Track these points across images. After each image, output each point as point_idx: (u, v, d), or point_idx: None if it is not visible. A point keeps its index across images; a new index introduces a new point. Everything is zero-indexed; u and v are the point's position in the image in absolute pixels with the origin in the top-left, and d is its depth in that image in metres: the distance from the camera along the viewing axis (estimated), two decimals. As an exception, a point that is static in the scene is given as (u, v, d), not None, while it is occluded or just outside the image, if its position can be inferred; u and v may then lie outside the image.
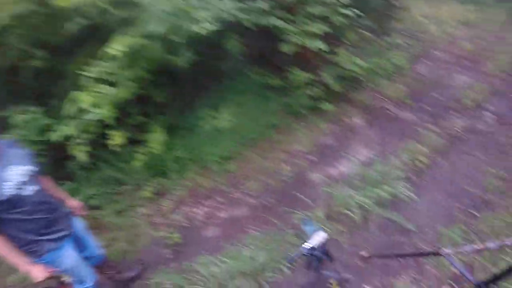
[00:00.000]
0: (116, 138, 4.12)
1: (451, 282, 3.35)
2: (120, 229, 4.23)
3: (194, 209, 4.44)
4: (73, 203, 2.95)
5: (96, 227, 4.24)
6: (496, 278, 2.09)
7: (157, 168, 4.70)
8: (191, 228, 4.21)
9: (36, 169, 2.47)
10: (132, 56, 3.76)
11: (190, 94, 5.50)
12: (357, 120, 5.29)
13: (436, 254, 2.18)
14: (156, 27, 3.65)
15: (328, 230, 3.76)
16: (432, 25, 8.34)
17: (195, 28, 3.69)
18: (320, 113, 5.22)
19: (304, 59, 4.87)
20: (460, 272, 2.45)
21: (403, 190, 4.01)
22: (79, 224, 2.95)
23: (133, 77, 3.92)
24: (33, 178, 2.42)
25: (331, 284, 3.49)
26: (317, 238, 2.60)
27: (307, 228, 2.64)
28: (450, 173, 4.43)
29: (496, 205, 4.05)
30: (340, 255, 3.66)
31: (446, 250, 2.00)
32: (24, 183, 2.33)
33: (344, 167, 4.61)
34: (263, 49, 5.29)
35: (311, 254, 2.53)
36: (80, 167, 4.45)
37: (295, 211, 4.09)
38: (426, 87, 5.87)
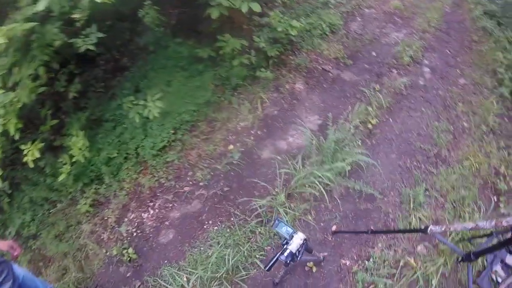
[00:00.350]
0: (29, 153, 3.45)
1: (425, 243, 3.44)
2: (67, 255, 3.77)
3: (142, 214, 3.99)
4: (3, 245, 2.54)
5: (39, 261, 3.82)
6: (483, 252, 2.07)
7: (87, 175, 4.10)
8: (143, 237, 3.80)
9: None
10: (23, 48, 3.06)
11: (107, 80, 4.75)
12: (299, 86, 4.94)
13: (423, 231, 2.10)
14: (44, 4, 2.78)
15: (292, 211, 3.59)
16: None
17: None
18: (259, 82, 4.79)
19: (235, 24, 4.31)
20: (449, 247, 2.49)
21: (360, 156, 3.85)
22: (19, 270, 2.48)
23: (30, 74, 3.16)
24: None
25: (309, 267, 3.45)
26: (296, 242, 2.42)
27: (281, 230, 2.46)
28: (401, 132, 4.40)
29: (449, 159, 4.16)
30: (312, 234, 3.58)
31: (434, 228, 2.00)
32: None
33: (295, 139, 4.34)
34: (186, 17, 4.61)
35: (292, 260, 2.37)
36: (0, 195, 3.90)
37: (253, 197, 3.82)
38: (363, 46, 5.66)
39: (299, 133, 4.34)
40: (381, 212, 3.67)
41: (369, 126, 4.26)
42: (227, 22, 4.24)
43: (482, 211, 3.53)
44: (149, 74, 4.66)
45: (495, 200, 3.81)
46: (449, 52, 5.59)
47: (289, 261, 2.38)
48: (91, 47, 3.22)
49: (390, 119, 4.50)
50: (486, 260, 3.38)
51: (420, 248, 3.43)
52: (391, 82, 4.85)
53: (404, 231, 3.00)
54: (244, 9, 3.77)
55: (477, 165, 3.98)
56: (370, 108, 4.36)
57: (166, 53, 4.73)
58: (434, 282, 3.17)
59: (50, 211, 4.07)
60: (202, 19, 4.17)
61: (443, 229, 2.07)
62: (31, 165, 3.46)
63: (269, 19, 4.38)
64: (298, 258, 2.49)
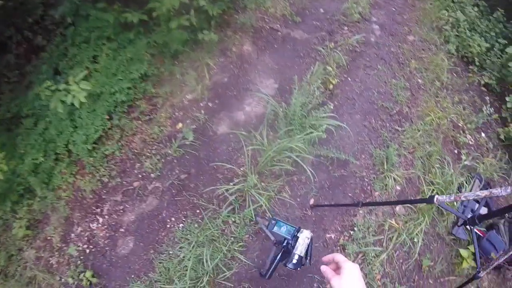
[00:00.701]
0: None
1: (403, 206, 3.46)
2: None
3: (90, 225, 3.33)
4: None
5: None
6: (486, 216, 2.06)
7: (14, 191, 3.31)
8: (99, 253, 3.20)
9: None
10: None
11: (20, 66, 3.78)
12: (248, 47, 4.34)
13: (429, 201, 1.98)
14: None
15: (266, 192, 3.26)
16: None
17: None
18: (202, 46, 4.08)
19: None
20: (454, 214, 2.46)
21: (328, 120, 3.55)
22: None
23: None
24: None
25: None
26: (303, 242, 2.00)
27: (281, 231, 1.96)
28: (362, 91, 4.21)
29: (411, 116, 4.13)
30: (290, 212, 3.33)
31: (441, 198, 1.87)
32: None
33: (252, 107, 3.86)
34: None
35: (302, 265, 1.99)
36: None
37: (217, 181, 3.38)
38: (309, 3, 5.13)
39: (256, 100, 3.87)
40: (356, 177, 3.55)
41: (330, 86, 3.98)
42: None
43: (450, 165, 3.62)
44: (70, 51, 3.74)
45: (457, 153, 3.98)
46: (394, 10, 5.44)
47: (300, 267, 1.98)
48: None
49: (349, 78, 4.27)
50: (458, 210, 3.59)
51: (398, 208, 3.45)
52: (344, 40, 4.55)
53: (405, 202, 2.89)
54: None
55: (437, 121, 4.04)
56: (329, 68, 4.04)
57: (88, 23, 3.76)
58: (418, 239, 3.23)
59: None
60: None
61: (452, 198, 1.96)
62: None
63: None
64: (308, 261, 2.11)
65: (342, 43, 4.46)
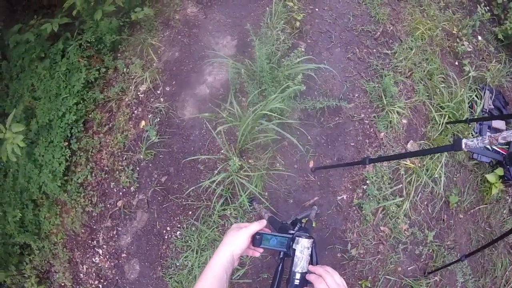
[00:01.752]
0: None
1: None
2: None
3: (93, 260, 3.09)
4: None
5: None
6: None
7: (12, 253, 3.25)
8: (111, 284, 3.00)
9: None
10: None
11: None
12: (192, 9, 3.61)
13: (456, 148, 1.55)
14: None
15: (254, 172, 2.81)
16: None
17: None
18: (140, 27, 3.46)
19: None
20: (488, 156, 2.03)
21: (303, 65, 2.94)
22: None
23: None
24: None
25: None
26: (303, 255, 1.51)
27: (272, 244, 1.42)
28: (335, 19, 3.51)
29: (398, 34, 3.48)
30: (290, 184, 2.93)
31: (470, 142, 1.49)
32: None
33: (215, 76, 3.27)
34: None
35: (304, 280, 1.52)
36: None
37: (199, 174, 2.97)
38: None
39: (217, 67, 3.27)
40: (354, 122, 3.05)
41: (297, 24, 3.30)
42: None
43: (456, 82, 3.09)
44: (10, 87, 3.37)
45: (458, 64, 3.40)
46: None
47: (306, 286, 1.52)
48: None
49: (316, 8, 3.54)
50: (474, 131, 3.09)
51: (410, 146, 2.96)
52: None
53: (426, 152, 2.30)
54: None
55: (428, 33, 3.41)
56: (289, 3, 3.32)
57: (15, 51, 3.28)
58: (439, 175, 2.78)
59: None
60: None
61: (486, 142, 1.46)
62: None
63: None
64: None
65: (296, -31, 3.65)
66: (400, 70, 3.21)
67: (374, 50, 3.32)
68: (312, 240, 1.43)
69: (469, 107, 3.05)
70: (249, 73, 3.05)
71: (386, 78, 3.04)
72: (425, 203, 2.85)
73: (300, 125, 3.00)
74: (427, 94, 3.14)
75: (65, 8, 2.99)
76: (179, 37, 3.46)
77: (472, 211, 2.94)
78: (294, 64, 2.95)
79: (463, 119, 2.84)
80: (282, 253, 1.40)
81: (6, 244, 3.21)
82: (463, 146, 1.49)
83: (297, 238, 1.37)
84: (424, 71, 3.23)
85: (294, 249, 1.37)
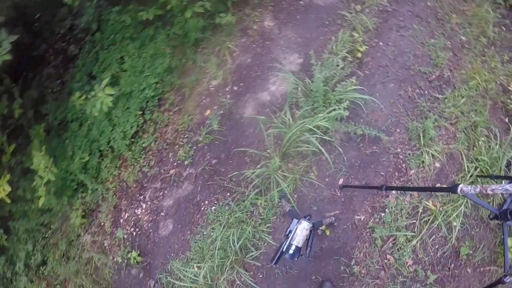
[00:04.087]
0: (0, 189, 3.12)
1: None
2: (78, 272, 3.67)
3: (135, 211, 3.72)
4: None
5: (56, 285, 3.78)
6: None
7: (69, 187, 3.79)
8: (144, 234, 3.60)
9: None
10: None
11: (60, 75, 4.16)
12: (269, 23, 4.12)
13: (452, 191, 1.81)
14: None
15: (290, 174, 3.23)
16: None
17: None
18: (221, 30, 4.02)
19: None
20: (482, 205, 2.19)
21: (355, 93, 3.32)
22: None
23: None
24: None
25: (322, 230, 3.18)
26: (301, 234, 2.08)
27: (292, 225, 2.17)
28: (396, 56, 3.76)
29: (453, 80, 3.61)
30: (318, 193, 3.28)
31: (465, 188, 1.72)
32: None
33: (277, 87, 3.74)
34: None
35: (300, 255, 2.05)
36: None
37: (245, 164, 3.46)
38: None
39: (280, 78, 3.73)
40: (389, 154, 3.29)
41: (358, 55, 3.61)
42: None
43: (497, 137, 3.15)
44: (100, 55, 4.04)
45: (508, 121, 3.39)
46: None
47: (297, 257, 2.06)
48: (7, 57, 2.63)
49: (380, 42, 3.81)
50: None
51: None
52: (371, -1, 4.02)
53: (426, 189, 2.59)
54: None
55: (484, 84, 3.45)
56: (355, 34, 3.65)
57: (110, 27, 3.97)
58: (456, 224, 2.94)
59: (48, 234, 3.90)
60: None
61: (477, 190, 1.70)
62: (7, 200, 3.15)
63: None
64: (308, 251, 2.17)
65: (370, 3, 3.95)
66: (445, 116, 3.35)
67: (426, 92, 3.50)
68: (311, 225, 2.01)
69: (506, 166, 3.08)
70: (306, 91, 3.47)
71: (428, 120, 3.23)
72: (436, 246, 2.99)
73: (340, 145, 3.33)
74: (467, 144, 3.24)
75: (160, 2, 3.57)
76: (253, 45, 3.98)
77: (482, 269, 2.98)
78: (346, 91, 3.32)
79: (489, 174, 2.94)
80: (289, 231, 2.09)
81: (65, 179, 3.78)
82: (459, 190, 1.75)
83: (301, 220, 1.98)
84: (469, 121, 3.32)
85: (296, 228, 1.95)
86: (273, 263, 2.02)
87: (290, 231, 2.09)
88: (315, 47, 3.79)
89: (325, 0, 4.19)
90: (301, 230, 2.07)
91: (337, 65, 3.47)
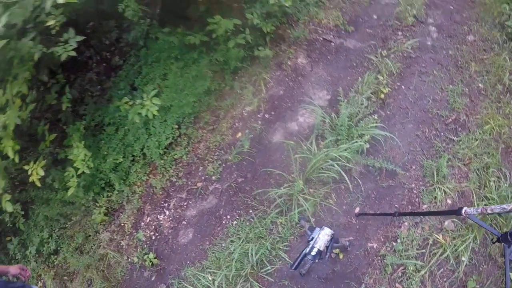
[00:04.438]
0: (34, 172, 3.37)
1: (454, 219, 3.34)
2: (89, 267, 3.77)
3: (158, 216, 3.94)
4: (14, 270, 2.66)
5: (63, 275, 3.89)
6: None
7: (97, 184, 4.01)
8: (163, 240, 3.79)
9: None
10: (3, 67, 2.86)
11: (101, 82, 4.56)
12: (302, 60, 4.59)
13: (457, 213, 1.99)
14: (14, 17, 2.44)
15: (312, 198, 3.48)
16: None
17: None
18: (259, 61, 4.46)
19: (223, 4, 3.95)
20: (485, 228, 2.39)
21: (376, 130, 3.66)
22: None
23: (17, 93, 3.00)
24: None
25: (335, 253, 3.40)
26: (323, 238, 2.38)
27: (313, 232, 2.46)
28: (416, 99, 4.13)
29: (468, 124, 3.92)
30: (335, 219, 3.50)
31: (469, 210, 1.90)
32: None
33: (305, 118, 4.10)
34: (171, 3, 4.25)
35: (320, 258, 2.33)
36: (14, 218, 3.95)
37: (269, 185, 3.71)
38: (362, 10, 5.12)
39: (309, 111, 4.10)
40: (404, 188, 3.54)
41: (381, 96, 4.00)
42: (215, 3, 3.92)
43: (507, 178, 3.39)
44: (143, 69, 4.43)
45: None
46: (452, 8, 5.09)
47: (317, 259, 2.30)
48: (72, 53, 2.95)
49: (403, 86, 4.21)
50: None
51: (447, 223, 3.33)
52: (397, 46, 4.47)
53: (435, 213, 2.84)
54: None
55: (497, 129, 3.75)
56: (380, 77, 4.07)
57: (157, 45, 4.42)
58: (464, 258, 3.11)
59: (67, 225, 4.07)
60: (188, 4, 3.82)
61: (479, 210, 1.93)
62: (38, 184, 3.36)
63: (259, -8, 3.96)
64: (327, 255, 2.42)
65: (395, 50, 4.40)
66: (459, 156, 3.62)
67: (442, 133, 3.81)
68: (332, 232, 2.32)
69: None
70: (332, 124, 3.81)
71: (442, 160, 3.49)
72: (444, 279, 3.14)
73: (358, 176, 3.61)
74: (478, 184, 3.47)
75: (207, 30, 4.04)
76: (287, 79, 4.40)
77: (488, 305, 3.12)
78: (368, 127, 3.66)
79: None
80: (312, 238, 2.39)
81: (95, 176, 3.96)
82: (463, 212, 1.98)
83: (323, 227, 2.27)
84: (482, 162, 3.56)
85: (319, 233, 2.25)
86: (293, 267, 2.24)
87: (313, 238, 2.35)
88: (343, 86, 4.18)
89: (354, 44, 4.66)
90: (323, 235, 2.35)
91: (362, 104, 3.85)
